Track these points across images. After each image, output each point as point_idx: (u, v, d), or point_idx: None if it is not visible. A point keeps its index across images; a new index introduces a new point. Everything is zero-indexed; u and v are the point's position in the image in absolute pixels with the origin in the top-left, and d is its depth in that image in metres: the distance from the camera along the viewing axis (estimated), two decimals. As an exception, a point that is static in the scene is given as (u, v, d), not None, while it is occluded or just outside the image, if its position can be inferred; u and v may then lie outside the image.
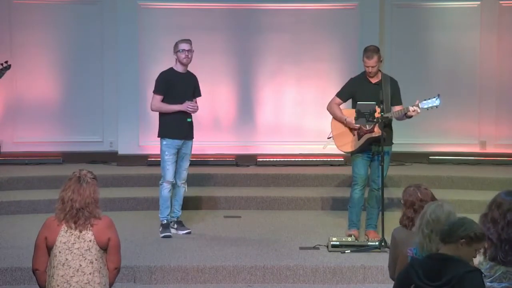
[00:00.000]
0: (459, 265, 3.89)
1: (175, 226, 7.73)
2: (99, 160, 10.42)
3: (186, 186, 7.79)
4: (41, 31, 10.54)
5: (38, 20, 10.55)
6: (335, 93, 7.72)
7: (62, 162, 10.42)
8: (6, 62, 8.16)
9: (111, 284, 4.76)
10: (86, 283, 4.60)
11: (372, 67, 7.45)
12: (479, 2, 10.58)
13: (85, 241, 4.62)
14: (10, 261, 6.78)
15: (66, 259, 4.61)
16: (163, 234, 7.59)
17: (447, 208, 4.20)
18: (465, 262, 3.93)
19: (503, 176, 9.50)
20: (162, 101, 7.68)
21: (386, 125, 7.40)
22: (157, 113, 7.78)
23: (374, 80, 7.54)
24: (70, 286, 4.59)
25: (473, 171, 9.90)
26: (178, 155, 7.69)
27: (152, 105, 7.77)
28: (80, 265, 4.61)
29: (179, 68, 7.74)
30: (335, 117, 7.61)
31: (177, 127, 7.64)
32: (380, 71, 7.57)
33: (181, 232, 7.67)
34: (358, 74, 7.71)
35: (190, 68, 7.91)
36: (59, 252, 4.61)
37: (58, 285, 4.59)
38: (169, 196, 7.68)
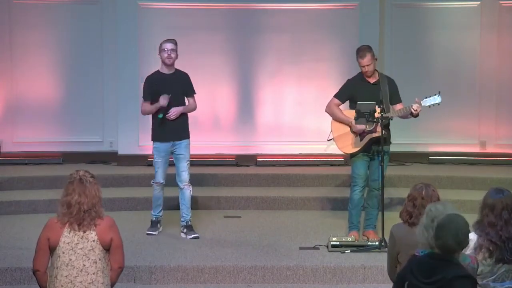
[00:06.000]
0: (451, 267, 3.85)
1: (185, 230, 7.70)
2: (99, 160, 10.42)
3: (191, 188, 7.77)
4: (41, 31, 10.54)
5: (38, 20, 10.54)
6: (333, 95, 7.67)
7: (62, 162, 10.42)
8: None
9: (113, 283, 4.76)
10: (90, 283, 4.60)
11: (368, 65, 7.41)
12: (479, 2, 10.58)
13: (88, 241, 4.62)
14: (10, 261, 6.78)
15: (70, 260, 4.60)
16: (147, 232, 7.75)
17: (449, 206, 4.17)
18: (460, 266, 3.88)
19: (503, 176, 9.50)
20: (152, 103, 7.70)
21: (385, 125, 7.38)
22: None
23: (372, 80, 7.51)
24: (74, 286, 4.59)
25: (473, 171, 9.90)
26: (174, 157, 7.73)
27: (141, 110, 7.93)
28: (84, 265, 4.61)
29: (164, 70, 7.71)
30: (337, 119, 7.52)
31: (163, 130, 7.66)
32: (376, 70, 7.55)
33: (188, 237, 7.63)
34: (355, 75, 7.65)
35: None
36: (63, 253, 4.60)
37: (62, 286, 4.58)
38: (159, 196, 7.79)
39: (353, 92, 7.52)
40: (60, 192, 4.73)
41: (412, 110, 7.31)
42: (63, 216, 4.63)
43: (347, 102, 7.63)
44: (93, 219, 4.62)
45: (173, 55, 7.61)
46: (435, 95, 7.41)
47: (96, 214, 4.63)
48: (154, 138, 7.74)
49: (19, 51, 10.46)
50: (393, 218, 5.80)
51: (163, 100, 7.55)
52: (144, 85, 7.80)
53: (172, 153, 7.72)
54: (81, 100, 10.61)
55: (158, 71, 7.73)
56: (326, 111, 7.64)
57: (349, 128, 7.46)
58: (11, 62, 10.34)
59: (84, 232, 4.61)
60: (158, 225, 7.83)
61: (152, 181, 7.83)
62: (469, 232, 3.96)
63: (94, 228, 4.62)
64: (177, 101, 7.66)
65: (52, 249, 4.63)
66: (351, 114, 7.46)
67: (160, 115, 7.62)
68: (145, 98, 7.76)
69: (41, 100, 10.58)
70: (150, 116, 7.81)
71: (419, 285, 3.85)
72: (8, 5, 10.52)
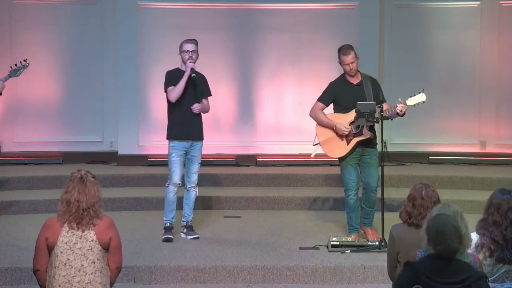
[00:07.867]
0: (471, 266, 3.96)
1: (185, 230, 7.65)
2: (99, 160, 10.43)
3: (197, 190, 7.69)
4: (41, 31, 10.55)
5: (38, 20, 10.55)
6: (317, 98, 7.57)
7: (62, 162, 10.43)
8: (25, 60, 7.96)
9: (112, 284, 4.77)
10: (87, 283, 4.60)
11: (352, 63, 7.32)
12: (479, 2, 10.59)
13: (87, 241, 4.62)
14: (10, 261, 6.78)
15: (68, 259, 4.60)
16: (163, 237, 7.49)
17: (454, 208, 4.16)
18: (474, 266, 4.02)
19: (503, 176, 9.50)
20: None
21: (371, 126, 7.34)
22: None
23: (355, 81, 7.43)
24: (72, 286, 4.59)
25: (473, 171, 9.90)
26: (187, 158, 7.61)
27: (169, 97, 7.54)
28: (82, 265, 4.61)
29: (183, 68, 7.58)
30: (321, 123, 7.44)
31: (183, 128, 7.54)
32: (359, 71, 7.48)
33: (189, 237, 7.59)
34: (338, 77, 7.56)
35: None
36: (61, 252, 4.61)
37: (59, 285, 4.58)
38: (174, 200, 7.57)
39: (336, 94, 7.45)
40: (60, 192, 4.73)
41: (398, 111, 7.24)
42: (63, 214, 4.64)
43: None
44: (92, 218, 4.62)
45: (194, 56, 7.56)
46: (419, 93, 7.32)
47: (95, 213, 4.63)
48: (172, 137, 7.57)
49: (19, 51, 10.44)
50: (393, 218, 5.79)
51: (191, 64, 7.46)
52: (166, 76, 7.61)
53: (186, 153, 7.59)
54: (81, 100, 10.62)
55: (178, 68, 7.66)
56: (310, 115, 7.54)
57: (335, 132, 7.42)
58: (11, 62, 10.31)
59: (83, 231, 4.62)
60: (172, 230, 7.61)
61: (167, 183, 7.56)
62: (463, 227, 4.01)
63: (93, 227, 4.63)
64: (194, 101, 7.59)
65: (50, 249, 4.64)
66: (333, 117, 7.43)
67: (194, 75, 7.48)
68: (168, 85, 7.54)
69: (41, 100, 10.59)
70: (166, 113, 7.66)
71: (437, 285, 3.86)
72: (8, 5, 10.53)
